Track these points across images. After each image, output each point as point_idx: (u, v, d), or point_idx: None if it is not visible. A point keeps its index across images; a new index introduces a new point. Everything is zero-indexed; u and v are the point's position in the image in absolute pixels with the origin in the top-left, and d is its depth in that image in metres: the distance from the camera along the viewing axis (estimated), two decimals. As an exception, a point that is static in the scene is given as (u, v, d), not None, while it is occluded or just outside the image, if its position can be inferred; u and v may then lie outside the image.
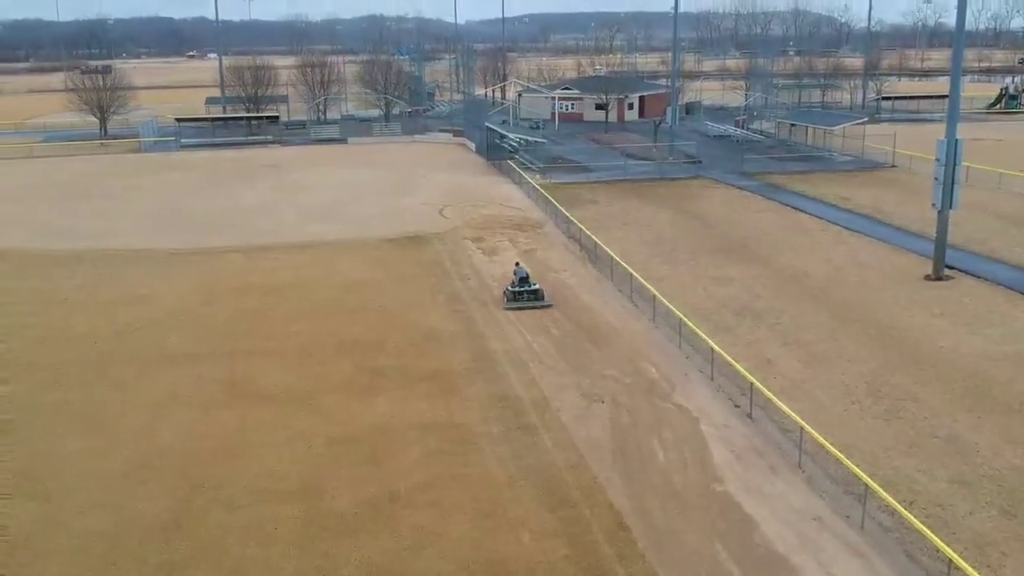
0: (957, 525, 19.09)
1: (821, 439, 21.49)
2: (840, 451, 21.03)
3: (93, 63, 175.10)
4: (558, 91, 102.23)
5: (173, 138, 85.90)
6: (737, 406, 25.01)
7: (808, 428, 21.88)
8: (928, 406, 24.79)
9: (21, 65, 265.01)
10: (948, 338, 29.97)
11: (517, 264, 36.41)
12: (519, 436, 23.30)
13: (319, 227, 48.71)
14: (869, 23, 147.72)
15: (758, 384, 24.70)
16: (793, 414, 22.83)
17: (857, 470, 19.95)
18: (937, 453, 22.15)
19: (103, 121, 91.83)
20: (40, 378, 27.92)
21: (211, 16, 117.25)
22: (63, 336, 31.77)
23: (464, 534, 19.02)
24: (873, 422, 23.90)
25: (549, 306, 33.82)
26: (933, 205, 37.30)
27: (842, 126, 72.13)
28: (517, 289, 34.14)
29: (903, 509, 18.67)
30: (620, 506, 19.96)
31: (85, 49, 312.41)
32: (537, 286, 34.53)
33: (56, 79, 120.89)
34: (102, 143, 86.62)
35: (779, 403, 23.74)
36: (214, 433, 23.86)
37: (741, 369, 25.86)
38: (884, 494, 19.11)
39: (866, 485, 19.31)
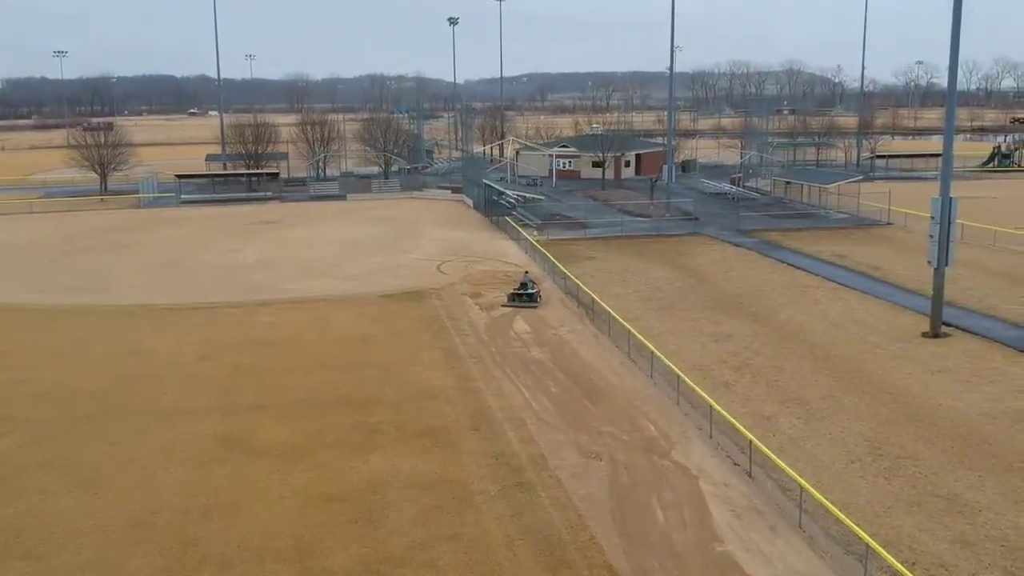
0: (960, 586, 18.83)
1: (821, 498, 21.31)
2: (840, 510, 20.84)
3: (95, 120, 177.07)
4: (555, 149, 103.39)
5: (173, 194, 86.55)
6: (736, 464, 24.81)
7: (808, 487, 21.70)
8: (928, 464, 24.62)
9: (24, 122, 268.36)
10: (947, 395, 29.88)
11: (526, 273, 44.81)
12: (516, 494, 23.07)
13: (317, 283, 48.81)
14: (862, 83, 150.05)
15: (757, 442, 24.55)
16: (793, 472, 22.66)
17: (858, 530, 19.75)
18: (938, 512, 21.94)
19: (103, 177, 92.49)
20: (34, 433, 27.68)
21: (213, 74, 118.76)
22: (59, 391, 31.59)
23: (460, 595, 18.72)
24: (874, 480, 23.71)
25: (535, 306, 41.31)
26: (929, 262, 37.49)
27: (837, 184, 72.78)
28: (517, 292, 42.08)
29: (905, 570, 18.41)
30: (619, 567, 19.68)
31: (88, 106, 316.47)
32: (534, 291, 42.14)
33: (58, 135, 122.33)
34: (102, 199, 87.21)
35: (779, 461, 23.58)
36: (209, 490, 23.61)
37: (740, 427, 25.72)
38: (886, 554, 18.88)
39: (867, 545, 19.09)
